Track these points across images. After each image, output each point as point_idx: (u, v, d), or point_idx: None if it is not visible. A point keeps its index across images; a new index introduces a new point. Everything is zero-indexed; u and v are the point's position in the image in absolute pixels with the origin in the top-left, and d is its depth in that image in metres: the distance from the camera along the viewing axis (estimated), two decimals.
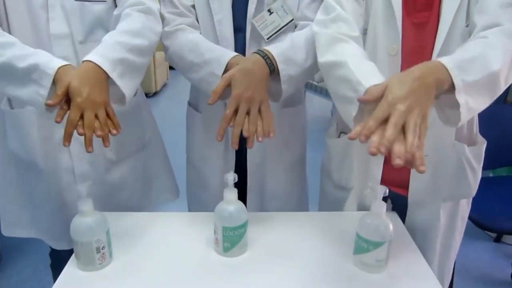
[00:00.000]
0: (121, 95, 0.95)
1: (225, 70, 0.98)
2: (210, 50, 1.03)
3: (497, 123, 0.99)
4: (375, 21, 0.95)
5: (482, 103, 0.79)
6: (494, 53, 0.76)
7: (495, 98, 0.81)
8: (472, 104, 0.76)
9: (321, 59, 0.94)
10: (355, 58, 0.88)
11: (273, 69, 0.99)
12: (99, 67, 0.89)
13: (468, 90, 0.74)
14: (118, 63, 0.93)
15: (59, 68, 0.86)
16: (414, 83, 0.71)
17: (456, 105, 0.75)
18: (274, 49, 0.99)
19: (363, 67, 0.86)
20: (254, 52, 0.99)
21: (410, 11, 0.92)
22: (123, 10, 1.02)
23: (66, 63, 0.88)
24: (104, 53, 0.92)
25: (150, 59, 1.05)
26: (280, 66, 0.99)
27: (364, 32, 0.97)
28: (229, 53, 1.01)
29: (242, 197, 1.20)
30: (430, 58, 0.90)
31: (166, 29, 1.09)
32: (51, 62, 0.86)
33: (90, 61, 0.89)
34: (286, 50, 1.00)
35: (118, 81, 0.92)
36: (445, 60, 0.75)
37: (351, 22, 0.93)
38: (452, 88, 0.74)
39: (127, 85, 0.95)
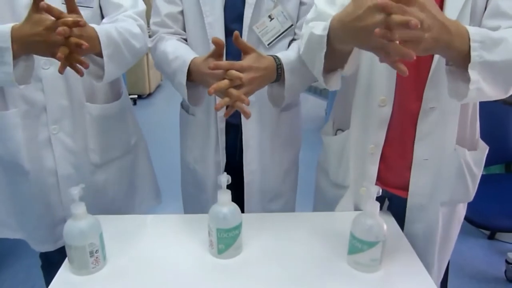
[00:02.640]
0: (99, 73, 0.99)
1: (189, 72, 1.00)
2: (174, 59, 1.05)
3: (490, 122, 1.00)
4: None
5: (494, 89, 0.76)
6: None
7: (508, 91, 0.78)
8: (483, 85, 0.73)
9: (301, 51, 0.95)
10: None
11: (278, 78, 1.01)
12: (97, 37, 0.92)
13: (483, 69, 0.72)
14: (113, 44, 0.96)
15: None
16: (443, 23, 0.68)
17: (467, 80, 0.72)
18: (285, 58, 1.01)
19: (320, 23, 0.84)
20: (272, 57, 1.00)
21: None
22: (117, 16, 1.04)
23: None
24: (105, 29, 0.95)
25: (133, 63, 1.08)
26: (286, 75, 1.01)
27: None
28: (187, 60, 1.01)
29: (240, 199, 1.20)
30: (427, 60, 0.90)
31: (150, 45, 1.13)
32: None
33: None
34: (294, 61, 1.02)
35: (106, 59, 0.95)
36: (471, 30, 0.72)
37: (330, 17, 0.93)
38: (467, 60, 0.72)
39: (110, 69, 0.97)
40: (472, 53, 0.71)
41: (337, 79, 0.91)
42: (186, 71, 1.00)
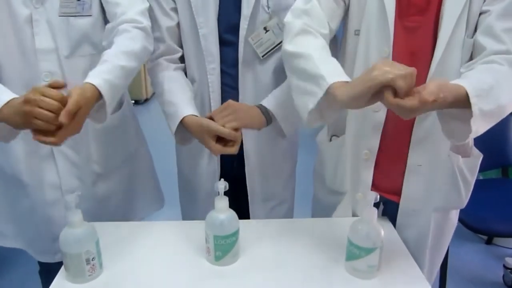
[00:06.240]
0: (103, 115, 0.94)
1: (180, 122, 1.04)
2: (169, 103, 1.09)
3: None
4: (368, 22, 0.95)
5: (487, 127, 0.82)
6: (508, 85, 0.80)
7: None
8: (481, 129, 0.79)
9: (287, 46, 0.93)
10: (320, 52, 0.89)
11: (269, 121, 1.09)
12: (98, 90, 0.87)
13: (482, 118, 0.77)
14: (115, 89, 0.92)
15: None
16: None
17: (467, 130, 0.77)
18: (271, 105, 1.07)
19: (328, 63, 0.87)
20: (258, 108, 1.07)
21: (403, 14, 0.92)
22: (119, 25, 1.01)
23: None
24: (107, 78, 0.90)
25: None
26: (281, 122, 1.09)
27: (357, 33, 0.97)
28: (180, 115, 1.04)
29: (238, 208, 1.20)
30: (424, 62, 0.91)
31: (148, 66, 1.14)
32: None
33: (91, 83, 0.87)
34: (281, 101, 1.08)
35: (109, 109, 0.91)
36: (468, 87, 0.76)
37: (322, 19, 0.94)
38: (466, 111, 0.76)
39: (112, 107, 0.93)
40: (473, 108, 0.75)
41: (316, 121, 0.92)
42: (177, 123, 1.04)
